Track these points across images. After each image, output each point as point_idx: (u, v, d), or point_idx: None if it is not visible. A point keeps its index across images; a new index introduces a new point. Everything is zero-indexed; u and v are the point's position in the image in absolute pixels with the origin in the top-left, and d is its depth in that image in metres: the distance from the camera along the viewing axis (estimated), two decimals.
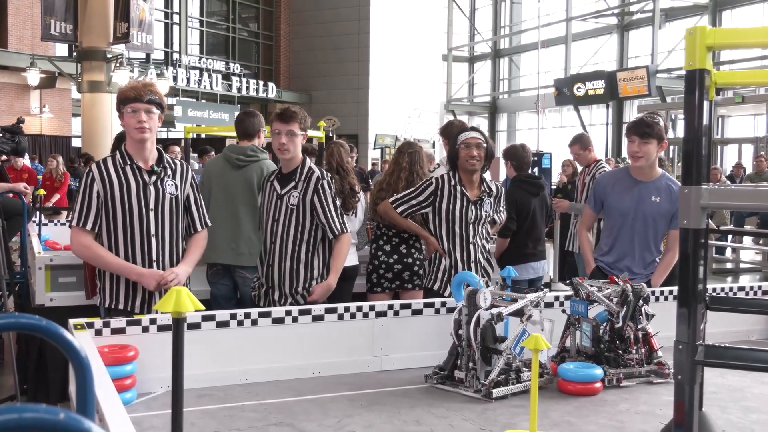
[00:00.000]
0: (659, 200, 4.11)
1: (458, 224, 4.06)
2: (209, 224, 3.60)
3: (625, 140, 4.50)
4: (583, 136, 7.24)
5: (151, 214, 3.31)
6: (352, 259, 4.64)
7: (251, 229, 4.38)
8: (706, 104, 1.89)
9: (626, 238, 4.18)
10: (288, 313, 2.95)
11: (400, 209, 4.14)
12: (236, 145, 4.68)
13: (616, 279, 3.08)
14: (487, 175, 5.31)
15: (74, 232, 3.29)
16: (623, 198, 4.17)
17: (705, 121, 1.89)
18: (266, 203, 3.82)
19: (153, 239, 3.32)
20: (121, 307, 3.31)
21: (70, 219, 3.31)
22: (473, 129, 4.17)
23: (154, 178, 3.34)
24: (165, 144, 11.46)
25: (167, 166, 3.41)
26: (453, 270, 4.03)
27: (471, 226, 4.07)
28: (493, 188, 4.21)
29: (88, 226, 3.27)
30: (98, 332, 2.64)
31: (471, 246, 4.07)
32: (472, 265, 4.06)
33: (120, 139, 4.58)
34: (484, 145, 4.05)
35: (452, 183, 4.08)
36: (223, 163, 4.57)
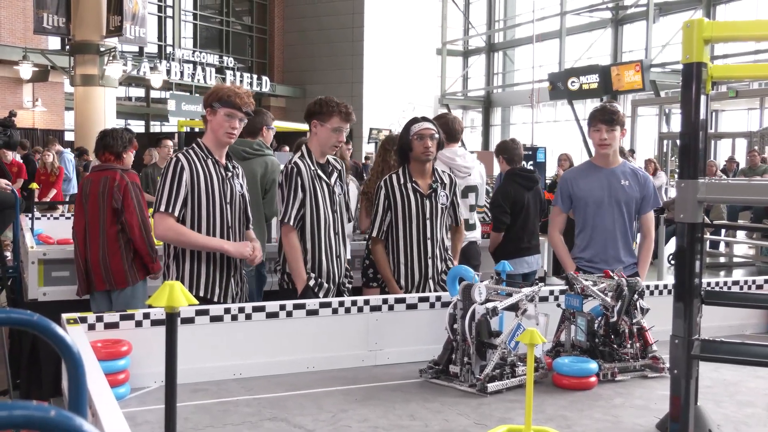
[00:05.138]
0: (628, 183, 4.07)
1: (415, 221, 3.98)
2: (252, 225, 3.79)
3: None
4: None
5: (228, 207, 3.44)
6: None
7: (253, 222, 4.38)
8: (702, 98, 1.88)
9: (605, 226, 4.05)
10: (282, 307, 2.94)
11: (376, 233, 4.03)
12: (243, 139, 4.72)
13: (611, 273, 3.08)
14: (482, 168, 5.32)
15: (160, 218, 3.32)
16: (593, 187, 4.08)
17: (702, 115, 1.88)
18: (316, 195, 3.75)
19: (230, 231, 3.45)
20: (201, 294, 3.37)
21: (155, 205, 3.34)
22: (425, 119, 4.09)
23: (229, 174, 3.47)
24: (158, 138, 11.39)
25: (234, 165, 3.56)
26: (410, 267, 3.98)
27: (428, 222, 3.99)
28: (446, 179, 4.11)
29: (176, 212, 3.31)
30: (91, 327, 2.63)
31: (428, 242, 3.99)
32: (429, 261, 3.98)
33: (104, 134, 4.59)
34: (437, 136, 4.02)
35: (401, 181, 4.02)
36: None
